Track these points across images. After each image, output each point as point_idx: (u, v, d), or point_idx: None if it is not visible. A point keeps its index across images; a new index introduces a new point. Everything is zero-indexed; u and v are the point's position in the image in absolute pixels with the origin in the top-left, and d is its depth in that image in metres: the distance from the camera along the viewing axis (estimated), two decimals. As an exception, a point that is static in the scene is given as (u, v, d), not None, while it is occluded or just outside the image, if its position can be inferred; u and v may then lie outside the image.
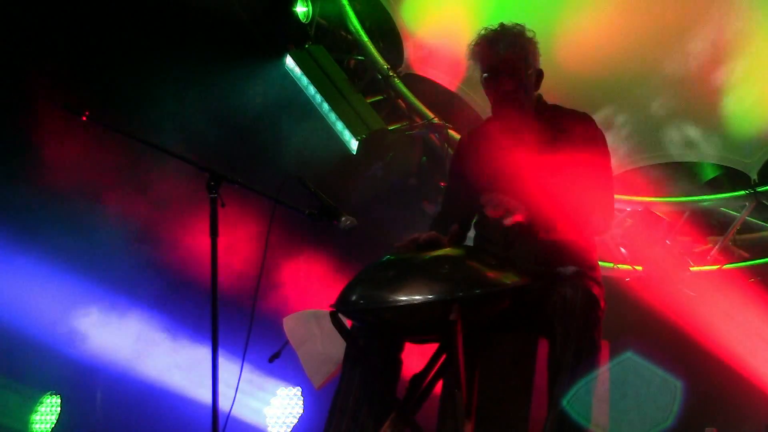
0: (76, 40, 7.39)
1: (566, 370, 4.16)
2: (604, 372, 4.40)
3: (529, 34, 4.55)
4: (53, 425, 7.07)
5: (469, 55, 4.57)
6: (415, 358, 4.42)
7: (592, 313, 4.26)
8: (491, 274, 4.14)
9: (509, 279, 4.17)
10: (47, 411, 7.12)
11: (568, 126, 4.54)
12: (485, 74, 4.53)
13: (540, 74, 4.59)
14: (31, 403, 7.05)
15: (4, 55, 7.11)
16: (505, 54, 4.49)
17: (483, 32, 4.57)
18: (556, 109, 4.65)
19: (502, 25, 4.56)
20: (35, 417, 7.07)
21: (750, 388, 6.65)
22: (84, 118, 4.21)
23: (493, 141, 4.63)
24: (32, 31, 7.20)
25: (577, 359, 4.16)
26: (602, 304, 4.40)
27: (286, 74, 7.81)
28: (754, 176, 6.92)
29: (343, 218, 4.38)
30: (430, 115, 7.65)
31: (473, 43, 4.56)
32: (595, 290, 4.38)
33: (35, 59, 7.20)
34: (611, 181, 4.53)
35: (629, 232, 7.06)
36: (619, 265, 7.17)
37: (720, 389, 6.92)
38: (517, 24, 4.57)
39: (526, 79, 4.52)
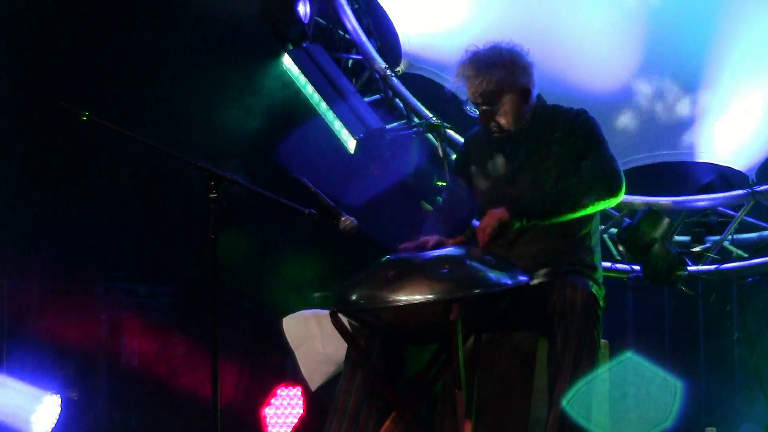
0: (76, 40, 7.39)
1: (566, 369, 4.18)
2: (604, 372, 4.42)
3: (507, 56, 4.49)
4: (53, 425, 7.05)
5: (455, 80, 4.56)
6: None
7: (592, 313, 4.27)
8: (491, 274, 4.15)
9: (509, 279, 4.18)
10: (47, 411, 7.10)
11: (564, 124, 4.53)
12: (467, 104, 4.57)
13: (526, 92, 4.52)
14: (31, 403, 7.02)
15: (5, 56, 7.11)
16: (478, 90, 4.48)
17: (463, 56, 4.53)
18: (554, 109, 4.63)
19: (474, 54, 4.50)
20: (35, 417, 7.04)
21: (750, 388, 6.68)
22: (84, 118, 4.20)
23: (488, 144, 4.65)
24: (32, 31, 7.19)
25: (578, 359, 4.18)
26: (602, 304, 4.42)
27: (284, 73, 7.79)
28: (752, 176, 6.94)
29: (343, 218, 4.36)
30: (429, 114, 7.63)
31: (457, 66, 4.54)
32: (595, 290, 4.40)
33: (34, 59, 7.20)
34: (612, 157, 4.47)
35: (627, 230, 7.05)
36: (616, 265, 7.17)
37: (720, 389, 6.93)
38: (493, 47, 4.51)
39: (505, 106, 4.48)
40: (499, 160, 4.58)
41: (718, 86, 6.88)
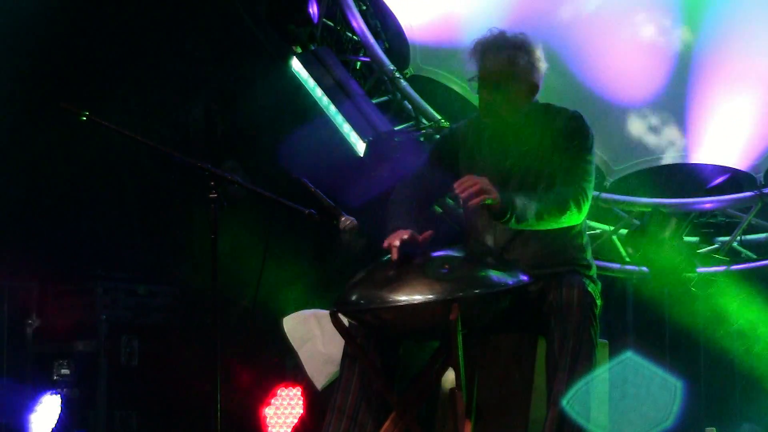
0: (78, 41, 7.41)
1: (564, 369, 4.18)
2: (603, 372, 4.41)
3: (528, 47, 4.46)
4: (53, 425, 7.08)
5: (468, 55, 4.52)
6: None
7: (588, 312, 4.26)
8: (491, 274, 4.15)
9: (510, 279, 4.17)
10: (47, 411, 7.12)
11: (559, 125, 4.48)
12: (473, 80, 4.49)
13: (534, 88, 4.48)
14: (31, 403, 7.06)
15: (5, 56, 7.14)
16: (491, 66, 4.43)
17: (483, 36, 4.50)
18: (546, 108, 4.57)
19: (500, 33, 4.47)
20: (35, 417, 7.07)
21: (750, 388, 6.67)
22: (84, 118, 4.22)
23: (479, 140, 4.60)
24: (32, 31, 7.22)
25: (575, 358, 4.18)
26: (598, 302, 4.40)
27: (293, 76, 7.80)
28: (760, 178, 6.96)
29: (343, 218, 4.36)
30: (437, 116, 7.63)
31: (472, 45, 4.51)
32: (591, 288, 4.38)
33: (34, 59, 7.23)
34: (589, 175, 4.43)
35: (636, 232, 7.07)
36: (625, 266, 7.18)
37: (720, 389, 6.93)
38: (519, 34, 4.48)
39: (511, 93, 4.43)
40: (490, 156, 4.53)
41: (722, 87, 6.89)
